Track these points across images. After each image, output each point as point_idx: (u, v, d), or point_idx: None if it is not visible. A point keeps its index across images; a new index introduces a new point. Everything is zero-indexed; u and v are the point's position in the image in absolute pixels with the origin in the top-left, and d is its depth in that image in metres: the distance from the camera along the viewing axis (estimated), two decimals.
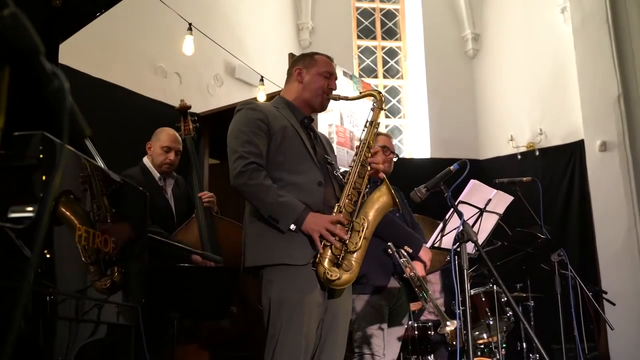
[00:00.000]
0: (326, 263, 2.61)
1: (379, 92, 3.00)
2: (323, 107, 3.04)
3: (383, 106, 2.98)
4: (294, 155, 2.78)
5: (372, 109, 2.97)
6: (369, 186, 2.90)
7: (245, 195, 2.72)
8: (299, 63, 3.01)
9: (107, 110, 5.62)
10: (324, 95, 2.96)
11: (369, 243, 2.75)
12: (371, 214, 2.75)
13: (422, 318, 4.92)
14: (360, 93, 3.08)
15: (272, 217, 2.63)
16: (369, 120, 2.94)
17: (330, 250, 2.63)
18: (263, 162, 2.71)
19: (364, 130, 2.94)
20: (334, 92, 3.00)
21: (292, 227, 2.61)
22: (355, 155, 2.88)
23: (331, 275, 2.59)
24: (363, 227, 2.70)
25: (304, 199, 2.68)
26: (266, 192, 2.63)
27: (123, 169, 3.89)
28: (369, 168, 2.84)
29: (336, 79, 3.03)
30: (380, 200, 2.79)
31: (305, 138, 2.85)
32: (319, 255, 2.63)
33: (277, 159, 2.76)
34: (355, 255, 2.67)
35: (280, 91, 3.15)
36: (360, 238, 2.68)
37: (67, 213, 1.67)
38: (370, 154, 2.86)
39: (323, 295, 2.72)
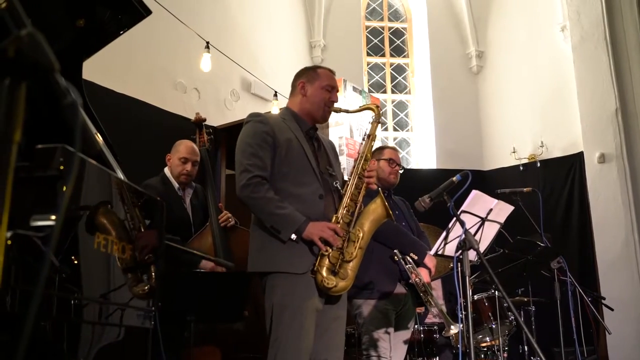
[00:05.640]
0: (324, 272, 2.65)
1: (377, 107, 3.02)
2: (325, 119, 3.04)
3: (380, 120, 2.99)
4: (297, 168, 2.80)
5: (370, 123, 2.99)
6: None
7: (250, 207, 2.76)
8: (303, 77, 3.01)
9: (130, 123, 5.67)
10: (326, 108, 2.96)
11: (364, 252, 2.78)
12: (366, 225, 2.79)
13: (428, 321, 4.89)
14: (360, 107, 3.08)
15: (274, 227, 2.67)
16: (367, 133, 2.97)
17: (328, 260, 2.66)
18: (267, 175, 2.74)
19: (361, 143, 2.96)
20: (335, 105, 3.00)
21: (293, 237, 2.64)
22: (354, 167, 2.90)
23: (328, 283, 2.63)
24: (358, 238, 2.74)
25: (306, 210, 2.70)
26: (268, 205, 2.67)
27: (145, 179, 3.92)
28: (366, 180, 2.85)
29: (338, 91, 3.02)
30: (375, 212, 2.82)
31: (308, 150, 2.86)
32: (317, 265, 2.66)
33: (282, 171, 2.78)
34: (350, 264, 2.70)
35: None
36: (355, 248, 2.72)
37: (87, 222, 1.67)
38: (367, 166, 2.87)
39: (321, 302, 2.75)
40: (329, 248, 2.65)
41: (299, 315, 2.64)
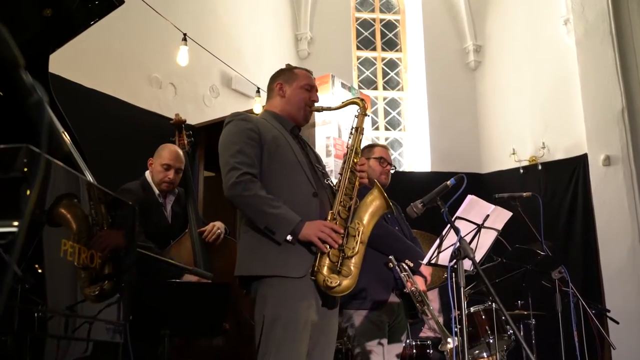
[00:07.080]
0: (325, 271, 2.65)
1: (362, 99, 3.07)
2: (306, 120, 3.10)
3: (366, 112, 3.05)
4: (287, 166, 2.82)
5: (356, 116, 3.04)
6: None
7: (240, 207, 2.77)
8: (280, 78, 3.07)
9: (100, 121, 5.64)
10: (307, 108, 3.03)
11: (365, 250, 2.78)
12: (365, 218, 2.80)
13: (422, 335, 4.90)
14: (343, 102, 3.11)
15: (268, 228, 2.66)
16: (354, 126, 3.02)
17: (328, 258, 2.66)
18: (256, 172, 2.75)
19: (349, 137, 3.00)
20: (316, 104, 3.07)
21: (289, 238, 2.63)
22: (344, 162, 2.93)
23: (331, 282, 2.62)
24: (358, 232, 2.74)
25: (300, 210, 2.70)
26: (262, 203, 2.67)
27: (116, 181, 3.85)
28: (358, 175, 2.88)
29: (317, 91, 3.09)
30: (373, 203, 2.84)
31: (297, 148, 2.91)
32: (317, 265, 2.65)
33: (271, 168, 2.80)
34: (353, 260, 2.70)
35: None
36: (357, 242, 2.72)
37: (53, 228, 1.67)
38: (358, 160, 2.92)
39: (316, 312, 2.73)
40: (328, 247, 2.65)
41: (292, 327, 2.63)
